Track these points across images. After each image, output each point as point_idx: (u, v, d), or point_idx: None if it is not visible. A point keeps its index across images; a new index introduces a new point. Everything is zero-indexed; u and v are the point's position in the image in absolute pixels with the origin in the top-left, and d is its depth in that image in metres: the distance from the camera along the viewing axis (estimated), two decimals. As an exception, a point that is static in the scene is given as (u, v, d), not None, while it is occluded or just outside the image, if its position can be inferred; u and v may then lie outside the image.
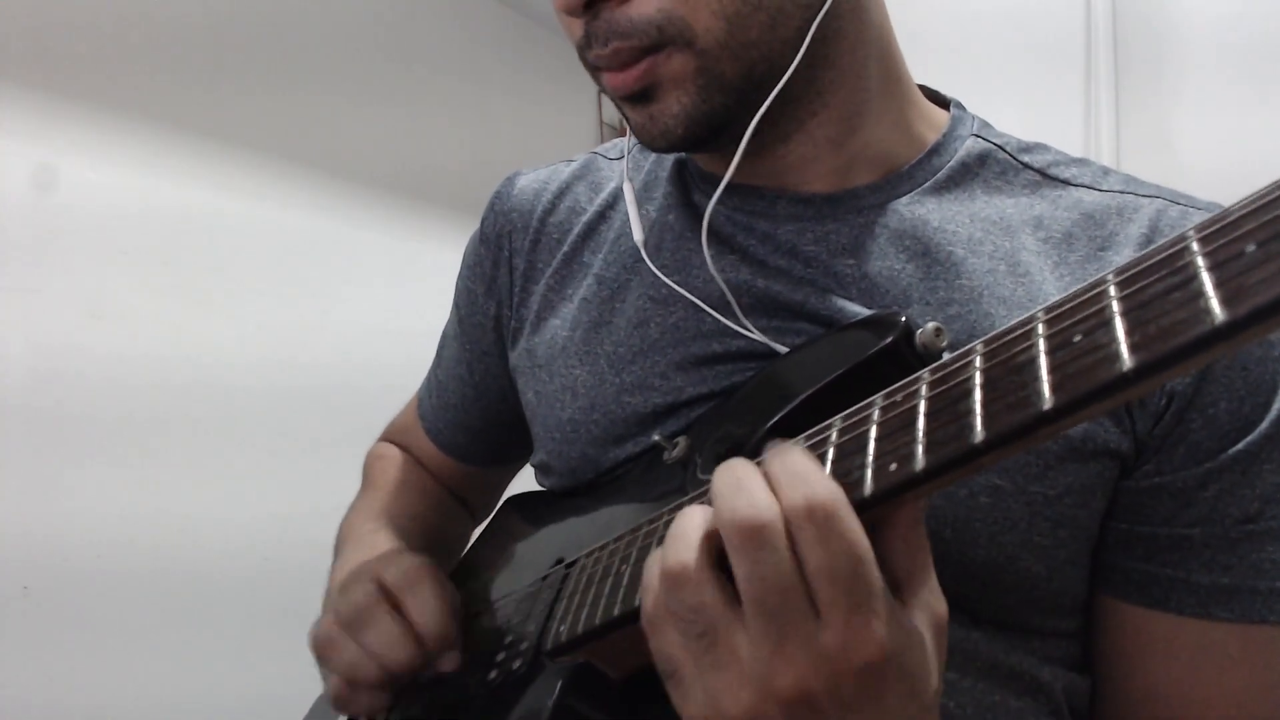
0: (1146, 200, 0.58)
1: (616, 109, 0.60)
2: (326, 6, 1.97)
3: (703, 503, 0.41)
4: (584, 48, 0.56)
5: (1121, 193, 0.59)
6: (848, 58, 0.58)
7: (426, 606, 0.60)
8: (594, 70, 0.57)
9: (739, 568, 0.36)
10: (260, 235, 1.79)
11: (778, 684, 0.36)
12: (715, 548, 0.37)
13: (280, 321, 1.80)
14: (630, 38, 0.53)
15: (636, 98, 0.56)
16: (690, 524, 0.38)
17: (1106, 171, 0.62)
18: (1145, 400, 0.53)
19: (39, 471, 1.47)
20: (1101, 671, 0.59)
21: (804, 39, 0.54)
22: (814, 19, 0.54)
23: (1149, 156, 1.46)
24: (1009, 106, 1.48)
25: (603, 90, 0.59)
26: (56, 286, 1.49)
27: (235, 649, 1.66)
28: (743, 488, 0.36)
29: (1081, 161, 0.63)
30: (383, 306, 1.96)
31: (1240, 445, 0.52)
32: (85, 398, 1.52)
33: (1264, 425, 0.52)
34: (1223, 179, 1.34)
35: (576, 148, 2.58)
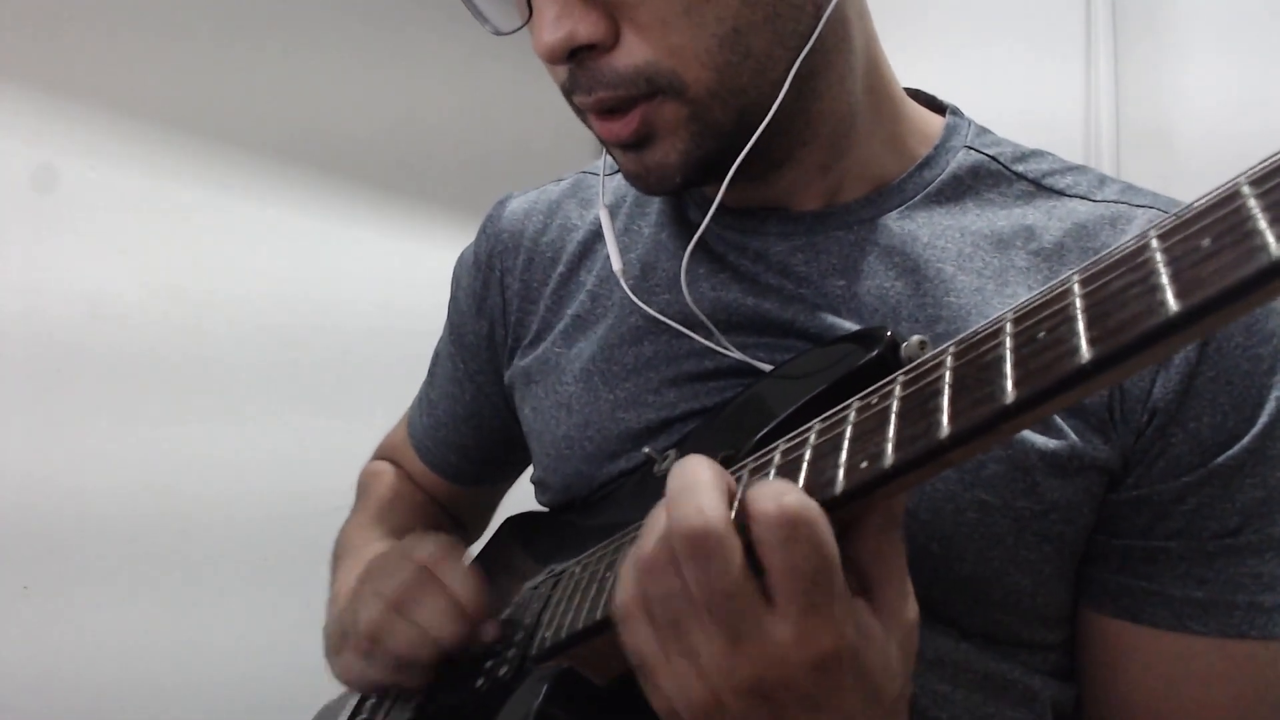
0: (1140, 210, 0.58)
1: (606, 150, 0.60)
2: (327, 12, 1.98)
3: None
4: (569, 92, 0.55)
5: (1116, 202, 0.59)
6: (836, 88, 0.58)
7: (463, 577, 0.61)
8: (580, 113, 0.57)
9: (687, 573, 0.37)
10: (260, 233, 1.81)
11: (734, 676, 0.37)
12: None
13: (279, 314, 1.81)
14: (617, 88, 0.52)
15: (630, 145, 0.55)
16: (660, 519, 0.39)
17: (1103, 180, 0.61)
18: (1128, 415, 0.53)
19: (38, 464, 1.48)
20: (1085, 683, 0.59)
21: (789, 77, 0.54)
22: (798, 58, 0.54)
23: (1146, 123, 1.47)
24: (1009, 68, 1.49)
25: (591, 130, 0.59)
26: (56, 285, 1.50)
27: (234, 626, 1.67)
28: (690, 491, 0.37)
29: (1079, 169, 0.62)
30: (382, 303, 1.97)
31: (1221, 459, 0.52)
32: (84, 392, 1.53)
33: (1247, 440, 0.52)
34: (1220, 137, 1.35)
35: (576, 151, 2.58)
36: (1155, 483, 0.53)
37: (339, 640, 0.66)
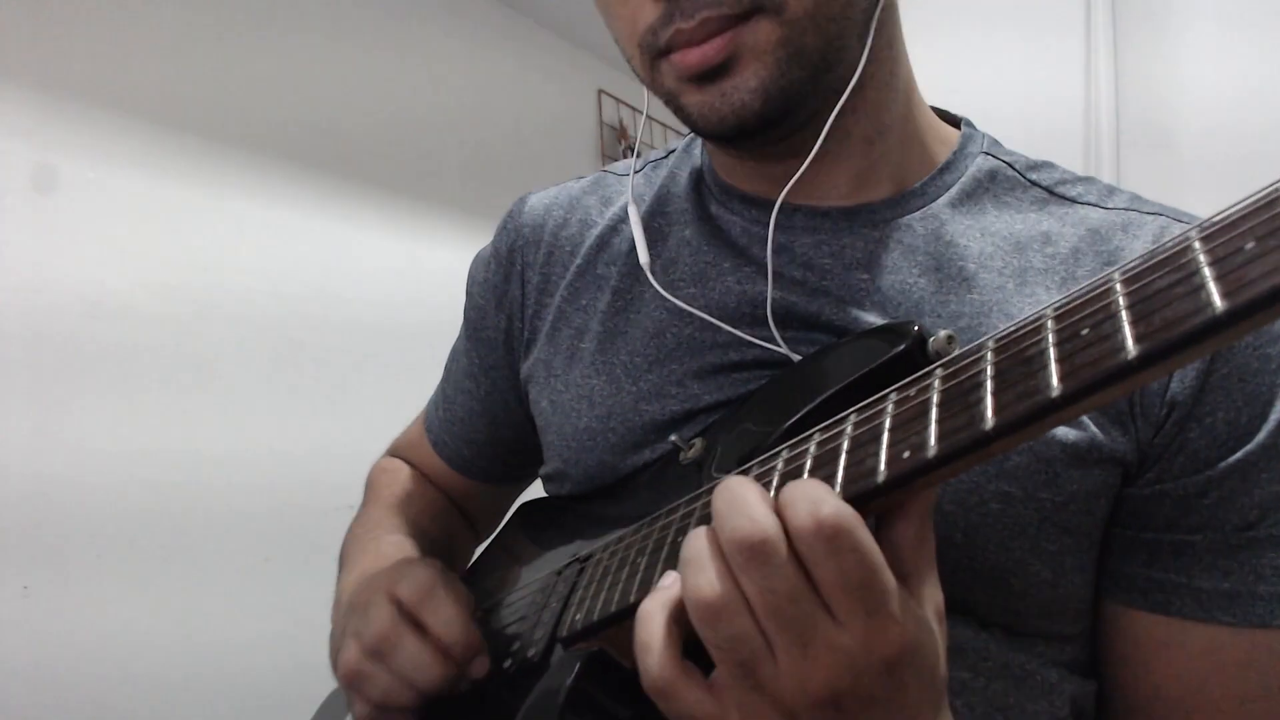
0: (1150, 217, 0.60)
1: (668, 104, 0.59)
2: (328, 10, 1.98)
3: (700, 507, 0.42)
4: (657, 30, 0.55)
5: (1126, 210, 0.61)
6: (886, 52, 0.60)
7: (446, 618, 0.59)
8: (659, 56, 0.56)
9: (749, 585, 0.37)
10: (259, 231, 1.80)
11: (810, 691, 0.37)
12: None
13: (278, 312, 1.81)
14: (721, 6, 0.52)
15: (711, 73, 0.55)
16: (702, 550, 0.38)
17: (1112, 190, 0.63)
18: (1147, 409, 0.54)
19: (39, 464, 1.48)
20: (1109, 676, 0.60)
21: (870, 22, 0.56)
22: (877, 3, 0.56)
23: (1145, 112, 1.48)
24: (1009, 57, 1.51)
25: (659, 85, 0.58)
26: (56, 284, 1.50)
27: (235, 623, 1.67)
28: (738, 505, 0.37)
29: (1087, 180, 0.64)
30: (382, 301, 1.97)
31: (1238, 454, 0.53)
32: (84, 391, 1.53)
33: (1261, 435, 0.53)
34: (1220, 127, 1.36)
35: (577, 148, 2.58)
36: (1176, 477, 0.54)
37: (335, 657, 0.65)
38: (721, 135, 0.58)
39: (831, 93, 0.57)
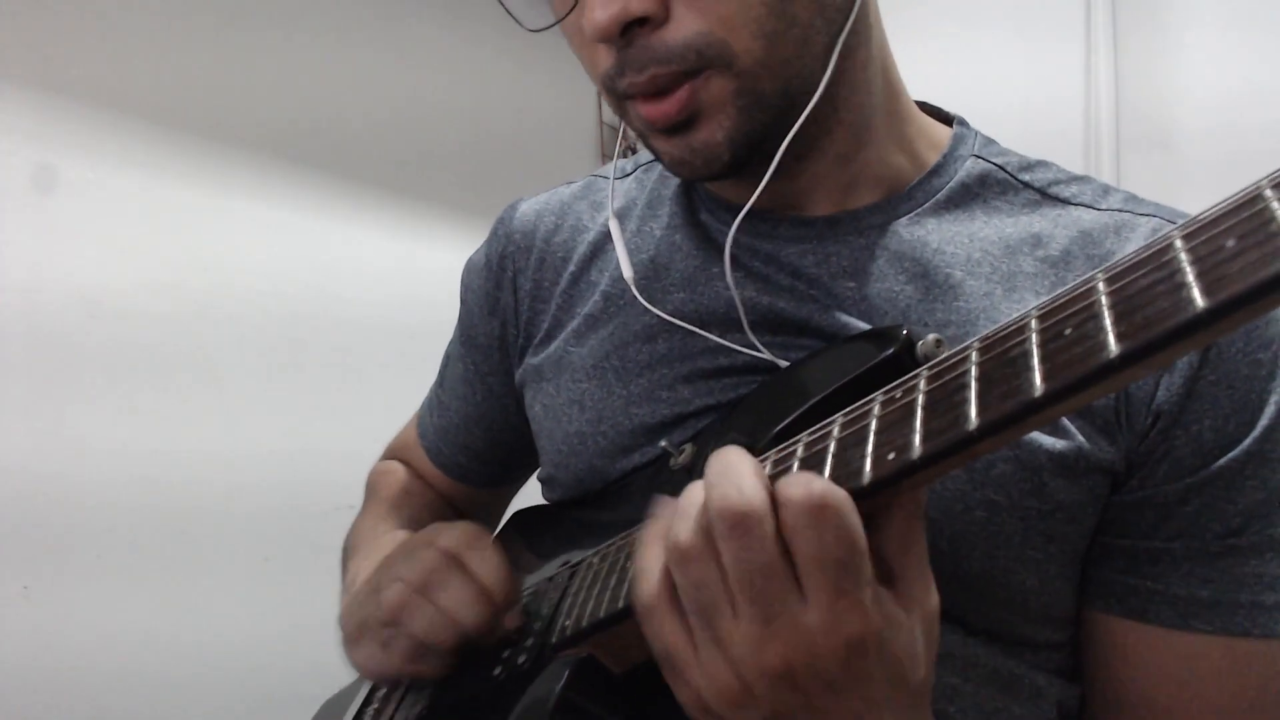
0: (1144, 219, 0.59)
1: (641, 139, 0.60)
2: (327, 10, 1.98)
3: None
4: (614, 77, 0.55)
5: (1119, 211, 0.60)
6: (859, 74, 0.59)
7: (490, 564, 0.61)
8: (623, 100, 0.57)
9: (726, 552, 0.38)
10: (259, 231, 1.81)
11: (763, 661, 0.37)
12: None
13: (278, 311, 1.81)
14: (669, 63, 0.52)
15: (675, 128, 0.55)
16: (691, 508, 0.40)
17: (1107, 190, 0.62)
18: (1133, 418, 0.54)
19: (39, 463, 1.48)
20: (1090, 682, 0.60)
21: (830, 54, 0.55)
22: (837, 34, 0.55)
23: (1145, 109, 1.47)
24: (1008, 56, 1.51)
25: (629, 122, 0.58)
26: (56, 284, 1.51)
27: (235, 623, 1.67)
28: (730, 473, 0.38)
29: (1082, 179, 0.64)
30: (381, 300, 1.98)
31: (1223, 461, 0.53)
32: (84, 391, 1.53)
33: (1247, 442, 0.53)
34: (1219, 125, 1.36)
35: (576, 147, 2.58)
36: (1159, 484, 0.54)
37: (356, 628, 0.66)
38: (693, 179, 0.59)
39: (806, 122, 0.57)
